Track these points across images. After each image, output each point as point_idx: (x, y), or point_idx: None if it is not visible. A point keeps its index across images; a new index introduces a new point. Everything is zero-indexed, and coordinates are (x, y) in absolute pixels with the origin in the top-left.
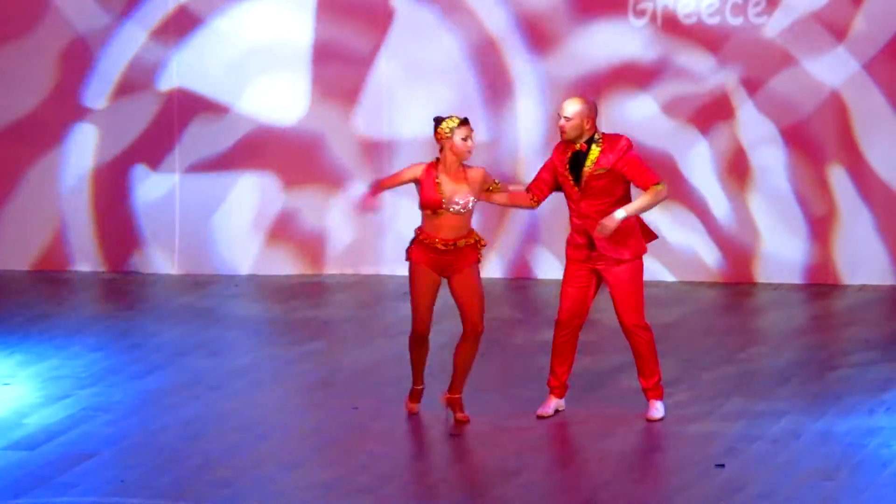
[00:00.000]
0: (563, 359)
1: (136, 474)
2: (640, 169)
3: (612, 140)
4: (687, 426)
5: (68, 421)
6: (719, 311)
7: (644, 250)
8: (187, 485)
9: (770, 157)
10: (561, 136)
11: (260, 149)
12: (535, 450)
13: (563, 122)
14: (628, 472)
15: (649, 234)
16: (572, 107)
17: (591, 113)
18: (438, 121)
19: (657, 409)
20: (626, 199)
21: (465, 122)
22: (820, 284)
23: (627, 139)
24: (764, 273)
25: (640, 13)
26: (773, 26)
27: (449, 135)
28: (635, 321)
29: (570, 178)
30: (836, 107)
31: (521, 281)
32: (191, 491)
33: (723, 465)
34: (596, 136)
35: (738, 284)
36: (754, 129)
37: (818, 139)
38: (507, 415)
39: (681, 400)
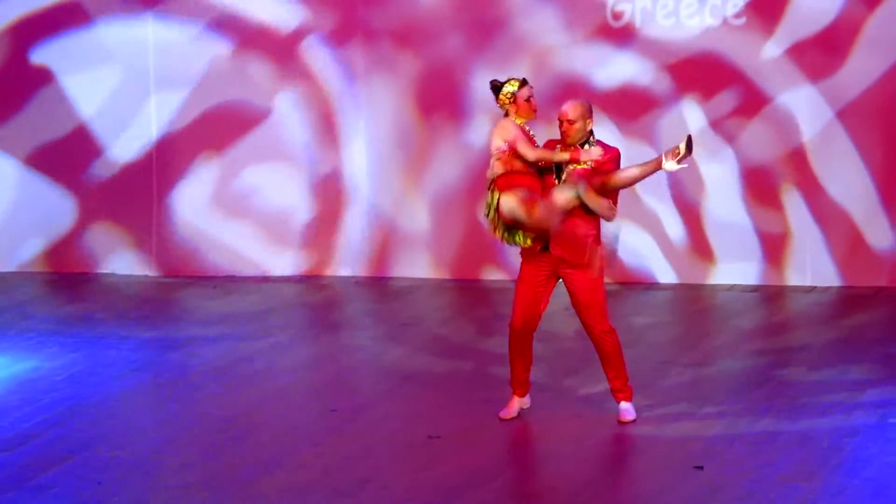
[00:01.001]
0: (520, 359)
1: (113, 476)
2: (614, 166)
3: (605, 145)
4: (665, 428)
5: (45, 423)
6: (694, 313)
7: (602, 252)
8: (164, 488)
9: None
10: (565, 139)
11: None
12: (512, 452)
13: (566, 125)
14: (606, 474)
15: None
16: (575, 109)
17: (590, 114)
18: (497, 86)
19: (629, 411)
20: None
21: (524, 82)
22: (783, 286)
23: (618, 150)
24: (726, 276)
25: (616, 16)
26: (726, 42)
27: (511, 99)
28: (602, 326)
29: (554, 172)
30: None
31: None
32: (167, 494)
33: (701, 467)
34: (591, 139)
35: (708, 286)
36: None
37: (770, 157)
38: (485, 417)
39: (659, 402)
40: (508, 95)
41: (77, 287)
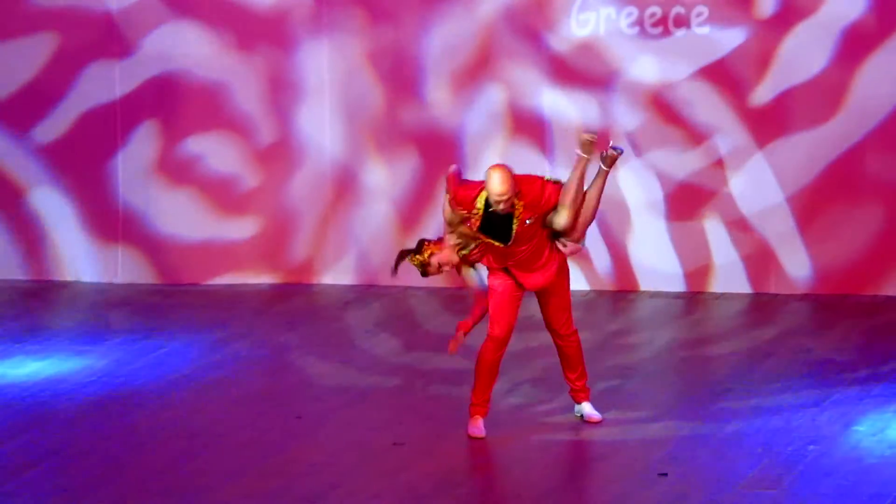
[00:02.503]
0: (491, 376)
1: (80, 483)
2: (559, 193)
3: (529, 187)
4: (630, 434)
5: (11, 430)
6: (660, 319)
7: (565, 259)
8: (131, 494)
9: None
10: (500, 212)
11: None
12: (478, 459)
13: (502, 205)
14: (571, 480)
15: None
16: (505, 183)
17: (513, 176)
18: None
19: (595, 412)
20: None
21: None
22: (761, 294)
23: (540, 177)
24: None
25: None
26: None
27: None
28: (569, 329)
29: (494, 240)
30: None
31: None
32: (134, 500)
33: (665, 474)
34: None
35: (680, 293)
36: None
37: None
38: (450, 425)
39: (624, 408)
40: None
41: (42, 294)
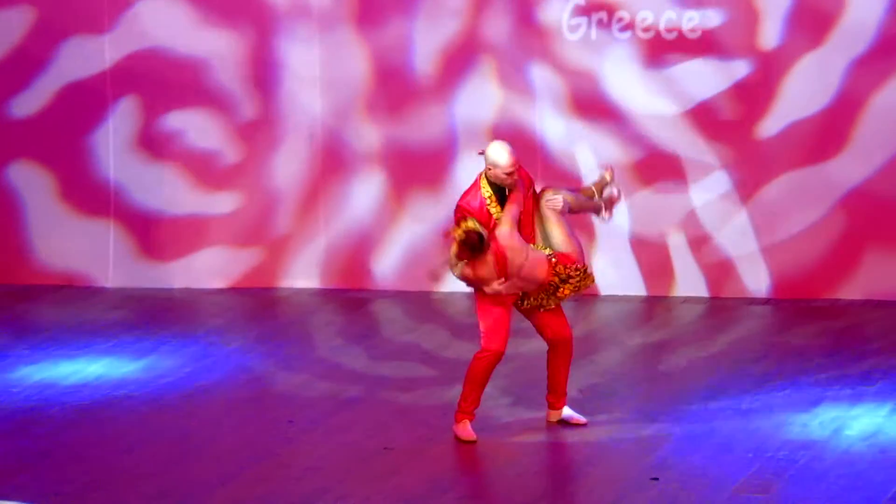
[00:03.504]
0: (484, 385)
1: (71, 488)
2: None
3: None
4: (621, 440)
5: (1, 434)
6: (646, 324)
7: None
8: (122, 499)
9: None
10: (511, 187)
11: None
12: (468, 464)
13: (510, 179)
14: (563, 485)
15: None
16: (513, 154)
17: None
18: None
19: (577, 413)
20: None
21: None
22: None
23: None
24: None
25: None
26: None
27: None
28: (569, 332)
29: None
30: None
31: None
32: (125, 503)
33: (657, 479)
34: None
35: (670, 298)
36: None
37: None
38: (440, 429)
39: (615, 413)
40: None
41: (32, 296)
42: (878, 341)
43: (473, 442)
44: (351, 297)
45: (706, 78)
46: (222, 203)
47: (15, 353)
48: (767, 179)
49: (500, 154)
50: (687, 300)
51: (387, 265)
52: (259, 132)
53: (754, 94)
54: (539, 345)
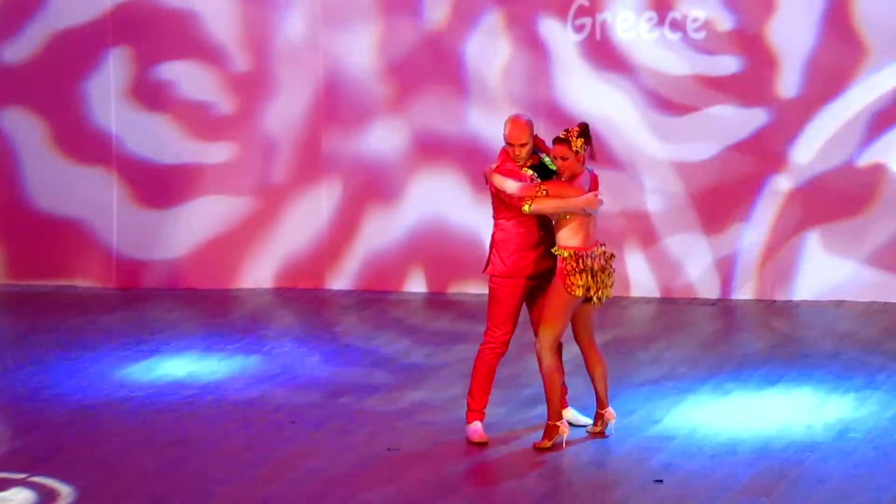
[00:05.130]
0: (491, 381)
1: (73, 489)
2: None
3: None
4: (625, 441)
5: (2, 435)
6: (652, 326)
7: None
8: (124, 500)
9: None
10: (516, 159)
11: None
12: (472, 465)
13: (517, 150)
14: (566, 487)
15: None
16: (525, 132)
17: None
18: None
19: (582, 415)
20: None
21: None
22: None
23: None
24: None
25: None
26: None
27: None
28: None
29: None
30: None
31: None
32: None
33: (661, 481)
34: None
35: (671, 300)
36: None
37: None
38: (445, 430)
39: (618, 415)
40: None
41: (34, 299)
42: (885, 343)
43: (484, 444)
44: (360, 297)
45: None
46: (216, 153)
47: (20, 353)
48: None
49: (505, 124)
50: (692, 301)
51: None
52: (252, 84)
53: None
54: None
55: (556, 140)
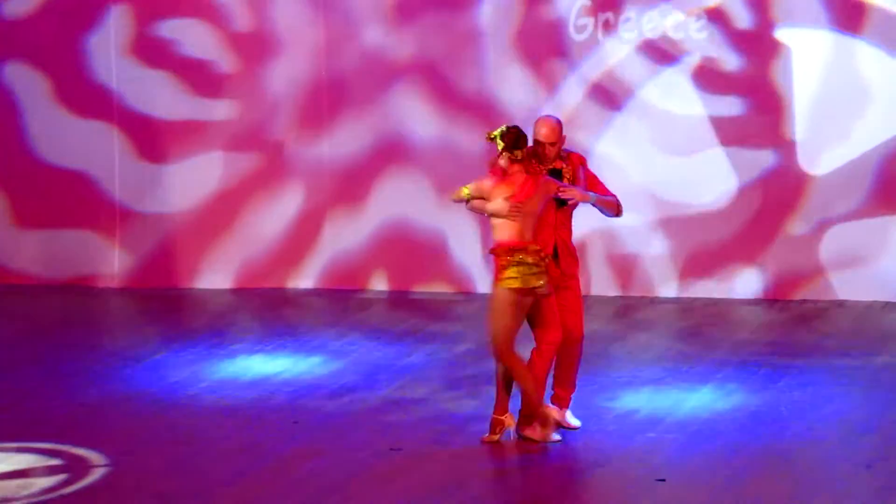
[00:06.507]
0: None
1: (77, 487)
2: (597, 181)
3: (570, 155)
4: (628, 440)
5: (7, 434)
6: (655, 324)
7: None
8: (127, 498)
9: None
10: (544, 162)
11: None
12: (475, 465)
13: (548, 148)
14: (569, 486)
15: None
16: (553, 130)
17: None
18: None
19: (573, 418)
20: None
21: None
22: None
23: (579, 154)
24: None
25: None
26: None
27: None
28: (581, 332)
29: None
30: None
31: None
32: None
33: (664, 480)
34: (562, 154)
35: (687, 298)
36: None
37: None
38: (448, 431)
39: (621, 414)
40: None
41: (39, 296)
42: (891, 341)
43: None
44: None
45: None
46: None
47: (20, 353)
48: None
49: (535, 124)
50: (696, 300)
51: None
52: (254, 43)
53: None
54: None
55: (488, 138)
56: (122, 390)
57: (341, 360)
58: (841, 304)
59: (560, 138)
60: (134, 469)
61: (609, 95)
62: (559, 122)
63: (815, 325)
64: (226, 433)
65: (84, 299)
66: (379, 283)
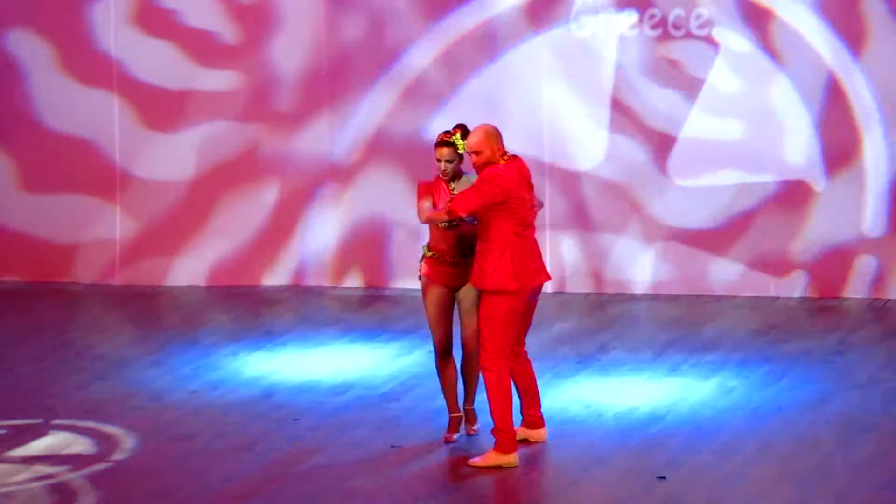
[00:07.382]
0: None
1: (78, 483)
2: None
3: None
4: (628, 438)
5: (9, 431)
6: (654, 322)
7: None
8: (128, 495)
9: None
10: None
11: None
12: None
13: (473, 158)
14: (570, 484)
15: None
16: (475, 138)
17: (498, 137)
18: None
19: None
20: None
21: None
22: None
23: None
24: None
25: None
26: None
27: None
28: (523, 345)
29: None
30: None
31: None
32: (132, 501)
33: (664, 478)
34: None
35: (686, 296)
36: None
37: None
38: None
39: (622, 411)
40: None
41: (34, 296)
42: (890, 340)
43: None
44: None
45: None
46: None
47: (21, 351)
48: None
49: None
50: (698, 298)
51: None
52: (257, 15)
53: None
54: (535, 349)
55: (442, 143)
56: (122, 387)
57: (341, 358)
58: (842, 300)
59: (487, 144)
60: (134, 467)
61: None
62: (486, 126)
63: (816, 322)
64: (225, 429)
65: (78, 298)
66: (399, 282)
